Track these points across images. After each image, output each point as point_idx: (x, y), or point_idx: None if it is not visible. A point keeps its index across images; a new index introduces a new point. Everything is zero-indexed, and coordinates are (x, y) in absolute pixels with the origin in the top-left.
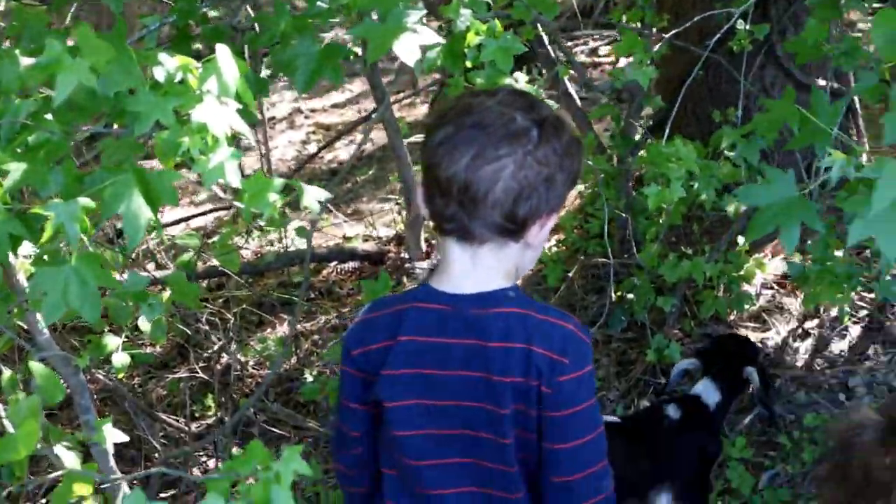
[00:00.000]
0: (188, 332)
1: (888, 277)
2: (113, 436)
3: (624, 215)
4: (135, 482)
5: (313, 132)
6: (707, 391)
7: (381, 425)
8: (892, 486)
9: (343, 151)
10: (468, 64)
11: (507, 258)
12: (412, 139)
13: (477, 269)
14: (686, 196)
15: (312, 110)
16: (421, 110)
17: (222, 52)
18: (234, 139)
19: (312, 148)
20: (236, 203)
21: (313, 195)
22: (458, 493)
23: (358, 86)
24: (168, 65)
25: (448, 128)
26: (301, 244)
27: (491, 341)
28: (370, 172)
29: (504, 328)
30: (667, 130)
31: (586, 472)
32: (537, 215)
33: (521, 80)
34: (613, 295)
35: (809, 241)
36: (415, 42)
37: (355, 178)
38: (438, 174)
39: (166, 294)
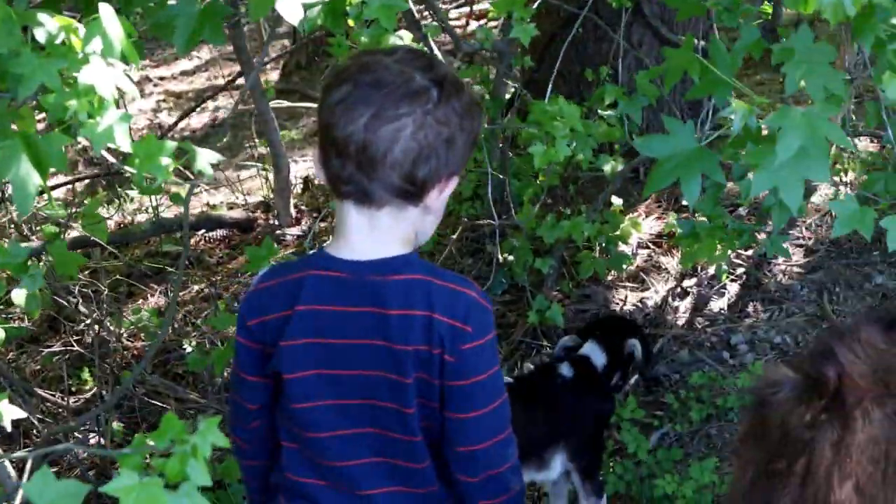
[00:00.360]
0: (60, 304)
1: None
2: (9, 413)
3: (501, 177)
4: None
5: (164, 100)
6: (594, 353)
7: (281, 397)
8: (812, 444)
9: (195, 119)
10: (350, 23)
11: (407, 222)
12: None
13: (375, 234)
14: (569, 155)
15: (161, 78)
16: (272, 76)
17: (106, 11)
18: None
19: (164, 116)
20: (127, 167)
21: (206, 158)
22: (362, 464)
23: (206, 53)
24: (49, 26)
25: (345, 86)
26: (169, 213)
27: (391, 309)
28: (224, 140)
29: (404, 295)
30: (549, 89)
31: (491, 440)
32: (437, 177)
33: (406, 39)
34: (500, 257)
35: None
36: (297, 0)
37: (212, 146)
38: (335, 134)
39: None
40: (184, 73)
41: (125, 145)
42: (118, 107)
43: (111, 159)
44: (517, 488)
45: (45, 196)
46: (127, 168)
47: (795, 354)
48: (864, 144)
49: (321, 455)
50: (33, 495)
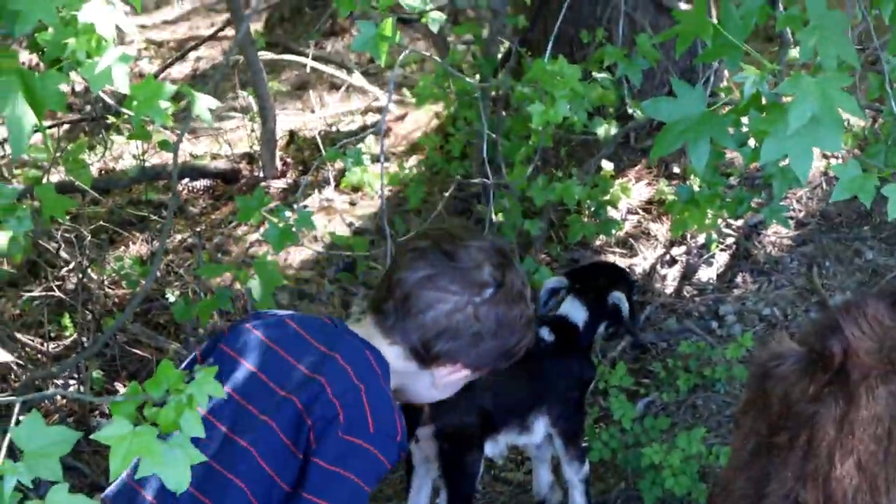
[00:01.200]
0: (40, 249)
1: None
2: None
3: (493, 135)
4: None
5: (145, 48)
6: (573, 309)
7: None
8: (815, 419)
9: (175, 69)
10: None
11: (405, 372)
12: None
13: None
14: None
15: (142, 27)
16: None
17: None
18: None
19: (144, 65)
20: (124, 110)
21: (205, 103)
22: None
23: (188, 2)
24: None
25: (426, 241)
26: (154, 161)
27: None
28: (206, 90)
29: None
30: (549, 48)
31: None
32: (451, 359)
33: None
34: (494, 216)
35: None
36: None
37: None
38: (393, 273)
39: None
40: (165, 22)
41: (123, 87)
42: None
43: (109, 101)
44: None
45: (41, 135)
46: (125, 110)
47: (784, 328)
48: (856, 119)
49: None
50: (22, 441)
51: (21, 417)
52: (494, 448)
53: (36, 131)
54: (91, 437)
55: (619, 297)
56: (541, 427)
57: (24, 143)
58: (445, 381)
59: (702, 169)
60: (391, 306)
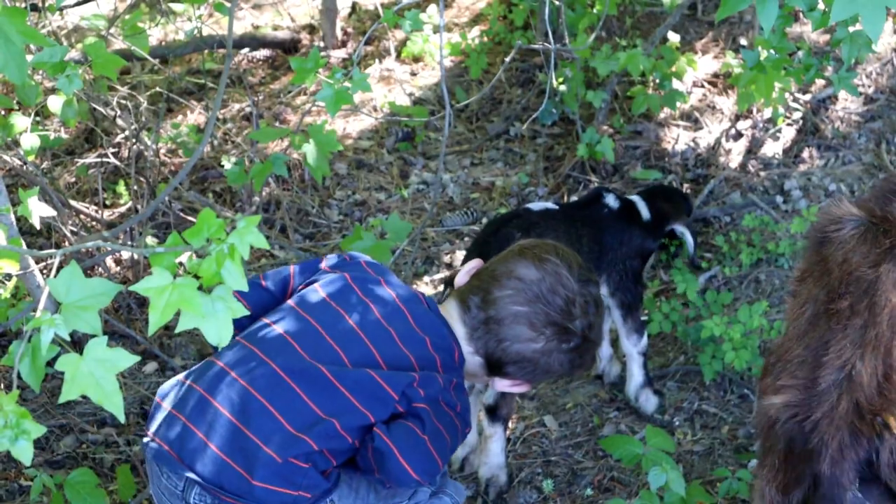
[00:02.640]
0: (98, 115)
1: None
2: (38, 209)
3: (557, 3)
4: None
5: None
6: (640, 203)
7: None
8: (876, 285)
9: None
10: None
11: (473, 369)
12: None
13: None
14: None
15: None
16: None
17: None
18: None
19: None
20: None
21: None
22: None
23: None
24: None
25: (533, 272)
26: (212, 30)
27: None
28: None
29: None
30: None
31: None
32: (516, 378)
33: None
34: (555, 81)
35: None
36: None
37: None
38: (495, 294)
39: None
40: None
41: None
42: None
43: None
44: None
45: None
46: None
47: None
48: None
49: None
50: (59, 292)
51: None
52: None
53: None
54: (130, 287)
55: (681, 230)
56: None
57: None
58: (503, 386)
59: (769, 29)
60: (481, 316)
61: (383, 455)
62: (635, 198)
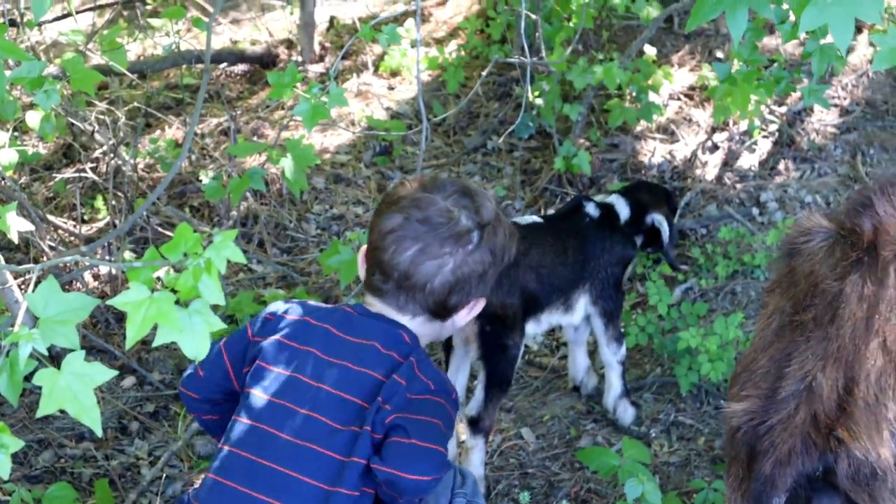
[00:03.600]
0: (76, 130)
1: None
2: (16, 224)
3: (533, 16)
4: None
5: None
6: (619, 203)
7: None
8: (840, 297)
9: None
10: None
11: (431, 330)
12: None
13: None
14: None
15: None
16: None
17: None
18: None
19: None
20: None
21: None
22: None
23: None
24: None
25: (397, 217)
26: (190, 45)
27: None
28: None
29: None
30: None
31: None
32: (467, 302)
33: None
34: (532, 94)
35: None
36: None
37: None
38: (382, 258)
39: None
40: None
41: None
42: None
43: None
44: None
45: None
46: None
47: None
48: None
49: None
50: (37, 307)
51: None
52: (537, 327)
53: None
54: (108, 302)
55: (659, 219)
56: (582, 306)
57: (46, 5)
58: (468, 317)
59: (739, 38)
60: (393, 286)
61: (393, 483)
62: (614, 198)
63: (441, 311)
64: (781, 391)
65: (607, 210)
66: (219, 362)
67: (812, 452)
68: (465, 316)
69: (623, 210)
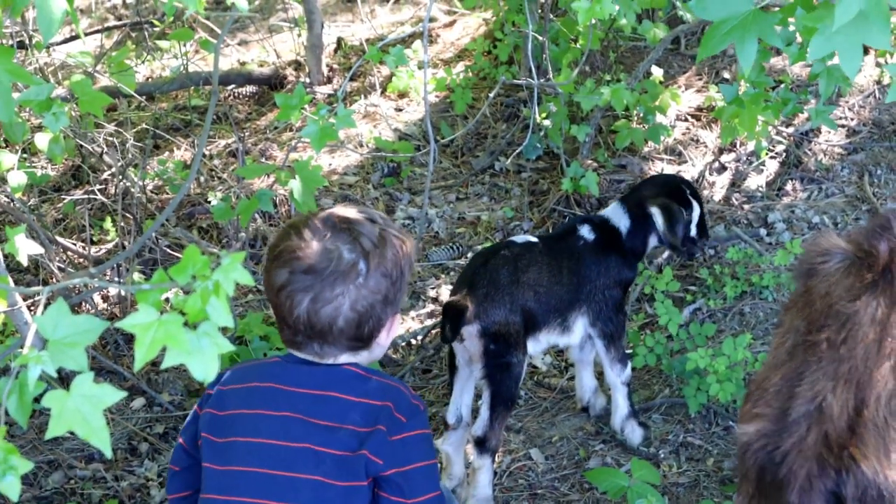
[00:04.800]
0: (84, 152)
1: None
2: (27, 247)
3: (541, 38)
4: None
5: None
6: (616, 214)
7: None
8: (854, 318)
9: None
10: None
11: (361, 360)
12: None
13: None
14: (612, 18)
15: None
16: None
17: None
18: None
19: None
20: None
21: None
22: None
23: None
24: None
25: (283, 273)
26: (198, 67)
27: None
28: (256, 2)
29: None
30: None
31: None
32: (381, 326)
33: None
34: (539, 115)
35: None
36: None
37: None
38: (283, 314)
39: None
40: None
41: None
42: None
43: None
44: None
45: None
46: None
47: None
48: None
49: None
50: (46, 329)
51: None
52: (536, 346)
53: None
54: (116, 324)
55: (654, 210)
56: (580, 327)
57: (54, 27)
58: (389, 336)
59: (749, 67)
60: (305, 339)
61: None
62: (611, 209)
63: (359, 343)
64: (792, 412)
65: (603, 229)
66: (182, 454)
67: (829, 472)
68: (386, 337)
69: (622, 221)
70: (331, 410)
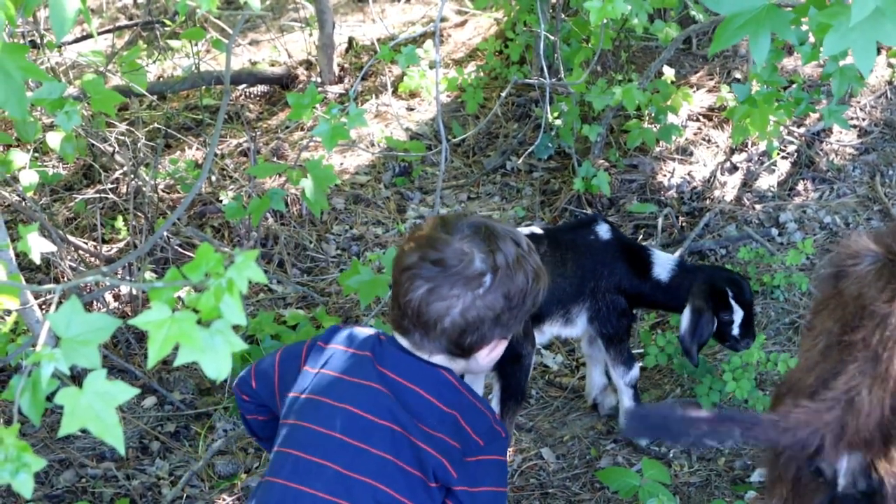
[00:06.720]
0: (96, 151)
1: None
2: (39, 245)
3: (553, 38)
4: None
5: None
6: (665, 262)
7: None
8: (889, 319)
9: None
10: None
11: (455, 367)
12: None
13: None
14: (624, 18)
15: None
16: None
17: None
18: None
19: None
20: None
21: None
22: None
23: None
24: None
25: (413, 256)
26: (210, 66)
27: None
28: (267, 2)
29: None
30: None
31: None
32: (485, 343)
33: None
34: (551, 115)
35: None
36: None
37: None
38: (399, 294)
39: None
40: None
41: None
42: None
43: None
44: None
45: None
46: None
47: (845, 235)
48: None
49: None
50: (59, 327)
51: None
52: (540, 338)
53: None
54: (129, 322)
55: (687, 308)
56: (582, 321)
57: (66, 26)
58: (490, 357)
59: (762, 62)
60: (410, 325)
61: None
62: (669, 257)
63: (457, 350)
64: (825, 411)
65: (629, 245)
66: (268, 380)
67: (838, 449)
68: (486, 356)
69: (663, 271)
70: (415, 404)
